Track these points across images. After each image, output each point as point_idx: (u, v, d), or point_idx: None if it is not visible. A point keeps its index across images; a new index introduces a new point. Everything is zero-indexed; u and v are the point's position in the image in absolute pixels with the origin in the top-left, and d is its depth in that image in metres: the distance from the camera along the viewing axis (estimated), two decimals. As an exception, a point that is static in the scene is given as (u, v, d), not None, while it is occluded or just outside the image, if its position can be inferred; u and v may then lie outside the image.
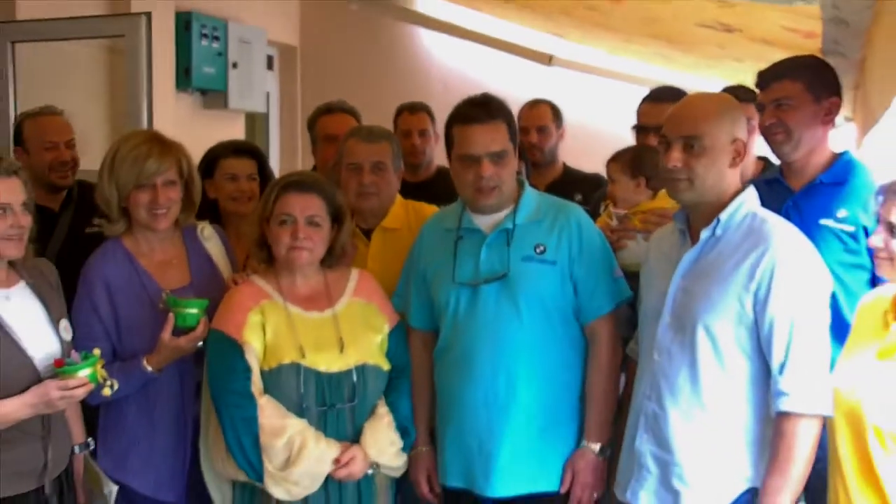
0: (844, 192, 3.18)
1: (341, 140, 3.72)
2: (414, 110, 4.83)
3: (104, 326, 3.11)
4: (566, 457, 3.11)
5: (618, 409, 3.13)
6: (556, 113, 4.81)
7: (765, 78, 3.31)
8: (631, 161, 3.49)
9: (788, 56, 3.44)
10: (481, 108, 3.11)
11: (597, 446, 3.10)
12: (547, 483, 3.10)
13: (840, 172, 3.24)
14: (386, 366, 3.14)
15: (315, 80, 7.47)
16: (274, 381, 3.00)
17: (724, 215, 2.75)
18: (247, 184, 3.79)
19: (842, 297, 3.04)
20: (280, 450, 2.93)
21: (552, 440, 3.10)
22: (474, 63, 7.69)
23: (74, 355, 2.81)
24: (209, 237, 3.38)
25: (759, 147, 3.55)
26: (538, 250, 3.10)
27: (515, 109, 3.63)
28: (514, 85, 6.25)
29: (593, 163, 4.53)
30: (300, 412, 2.98)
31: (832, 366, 2.68)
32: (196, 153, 3.78)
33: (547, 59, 7.86)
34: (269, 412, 2.96)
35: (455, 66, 7.70)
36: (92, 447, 3.14)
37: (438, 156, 4.46)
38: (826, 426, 2.62)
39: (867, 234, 3.05)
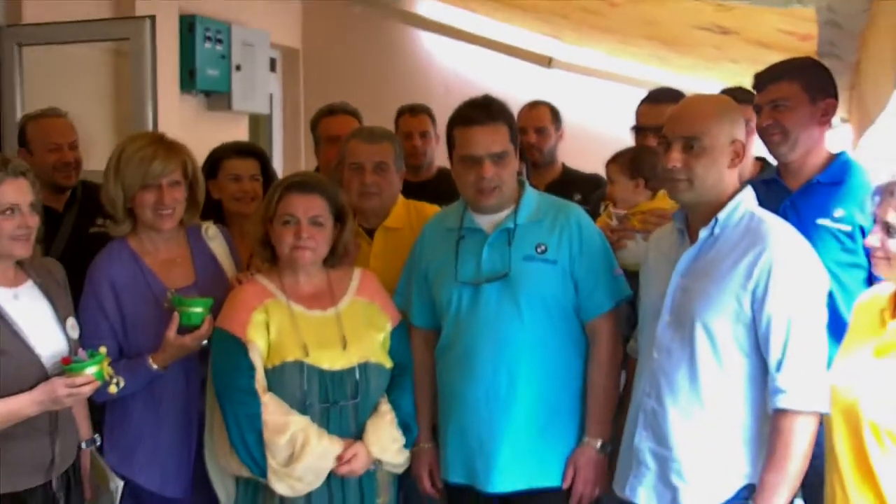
0: (841, 192, 3.18)
1: (343, 140, 3.73)
2: (415, 112, 4.84)
3: (110, 325, 3.11)
4: (567, 453, 3.12)
5: (619, 406, 3.13)
6: (554, 114, 4.81)
7: (762, 80, 3.31)
8: (630, 162, 3.50)
9: (785, 58, 3.44)
10: (482, 110, 3.11)
11: (598, 442, 3.10)
12: (548, 479, 3.10)
13: (836, 173, 3.24)
14: (388, 364, 3.14)
15: (317, 82, 7.47)
16: (277, 378, 3.00)
17: (722, 215, 2.75)
18: (250, 184, 3.79)
19: (839, 295, 3.04)
20: (283, 446, 2.94)
21: (553, 437, 3.11)
22: (475, 65, 7.69)
23: (81, 353, 2.81)
24: (213, 237, 3.39)
25: (757, 148, 3.55)
26: (539, 250, 3.10)
27: (516, 111, 3.63)
28: (515, 87, 6.24)
29: (593, 163, 4.53)
30: (303, 409, 2.99)
31: (829, 363, 2.69)
32: (200, 154, 3.79)
33: (546, 62, 7.86)
34: (273, 409, 2.97)
35: (456, 68, 7.69)
36: (99, 443, 3.15)
37: (439, 156, 4.46)
38: (823, 423, 2.62)
39: (863, 233, 3.06)
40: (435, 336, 3.28)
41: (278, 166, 7.26)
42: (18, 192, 2.80)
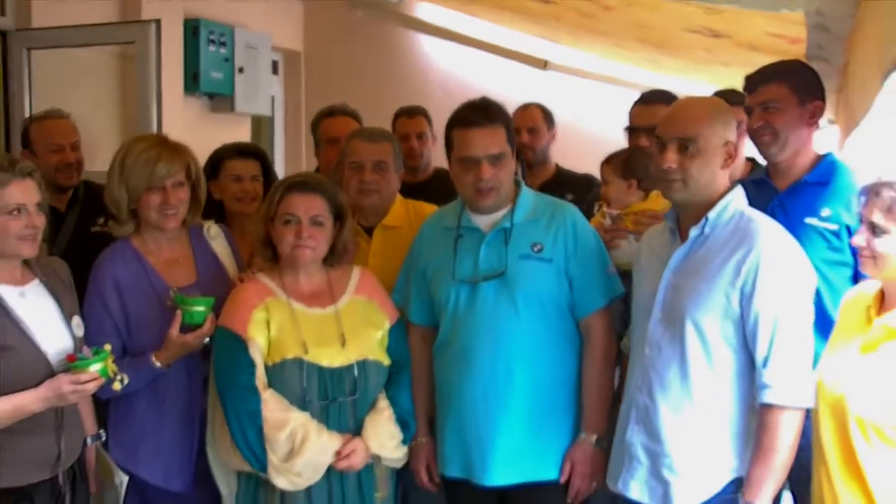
0: (828, 192, 3.18)
1: (344, 140, 3.73)
2: (411, 114, 4.83)
3: (114, 323, 3.11)
4: (562, 447, 3.11)
5: (613, 402, 3.13)
6: (546, 115, 4.82)
7: (752, 82, 3.31)
8: (623, 163, 3.50)
9: (774, 61, 3.44)
10: (480, 112, 3.11)
11: (593, 437, 3.10)
12: (543, 472, 3.09)
13: (824, 173, 3.24)
14: (386, 361, 3.14)
15: (318, 84, 7.46)
16: (278, 375, 2.99)
17: (712, 214, 2.75)
18: (251, 184, 3.78)
19: (825, 293, 3.03)
20: (283, 442, 2.93)
21: (548, 431, 3.10)
22: (472, 68, 7.69)
23: (86, 351, 2.80)
24: (215, 236, 3.38)
25: (747, 148, 3.55)
26: (535, 248, 3.10)
27: (512, 113, 3.63)
28: (511, 89, 6.24)
29: (587, 163, 4.53)
30: (303, 406, 2.98)
31: (816, 360, 2.68)
32: (204, 155, 3.80)
33: (542, 64, 7.87)
34: (273, 405, 2.96)
35: (454, 70, 7.69)
36: (104, 439, 3.14)
37: (437, 157, 4.45)
38: (811, 418, 2.62)
39: (850, 232, 3.06)
40: (432, 333, 3.27)
41: (280, 167, 7.26)
42: (25, 192, 2.79)
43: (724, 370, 2.71)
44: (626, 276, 3.15)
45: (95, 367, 2.75)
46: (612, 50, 7.18)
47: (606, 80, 8.21)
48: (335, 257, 3.18)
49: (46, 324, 2.84)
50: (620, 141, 3.98)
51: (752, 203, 2.85)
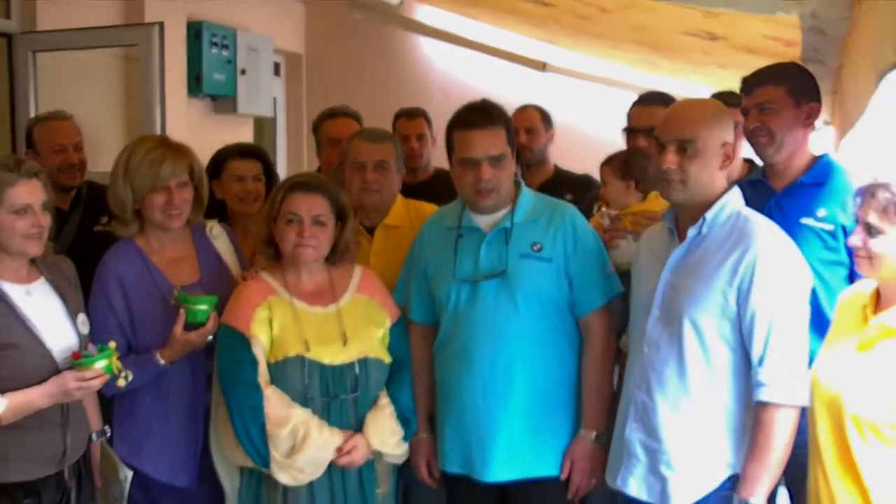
0: (824, 193, 3.19)
1: (346, 141, 3.73)
2: (411, 116, 4.83)
3: (118, 321, 3.11)
4: (562, 444, 3.11)
5: (612, 400, 3.13)
6: (544, 116, 4.83)
7: (749, 84, 3.31)
8: (622, 164, 3.50)
9: (770, 63, 3.44)
10: (481, 114, 3.11)
11: (592, 434, 3.10)
12: (543, 469, 3.10)
13: (819, 174, 3.24)
14: (387, 359, 3.14)
15: (320, 85, 7.45)
16: (280, 372, 2.99)
17: (709, 214, 2.75)
18: (253, 184, 3.78)
19: (821, 292, 3.04)
20: (285, 438, 2.93)
21: (548, 428, 3.10)
22: (472, 69, 7.69)
23: (91, 348, 2.81)
24: (218, 235, 3.38)
25: (744, 149, 3.55)
26: (535, 248, 3.10)
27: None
28: (510, 90, 6.24)
29: (586, 164, 4.54)
30: (305, 403, 2.98)
31: (812, 358, 2.69)
32: (207, 156, 3.80)
33: (541, 66, 7.87)
34: (275, 402, 2.96)
35: (453, 72, 7.69)
36: (108, 435, 3.14)
37: (437, 158, 4.46)
38: (807, 415, 2.62)
39: (845, 232, 3.06)
40: (433, 331, 3.27)
41: (282, 167, 7.26)
42: (31, 192, 2.79)
43: (721, 369, 2.71)
44: (625, 275, 3.15)
45: (100, 365, 2.75)
46: (610, 52, 7.18)
47: (604, 82, 8.21)
48: (337, 256, 3.18)
49: (52, 321, 2.84)
50: (619, 142, 3.99)
51: (749, 203, 2.85)
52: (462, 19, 7.39)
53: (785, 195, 3.24)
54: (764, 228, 2.74)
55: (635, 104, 4.01)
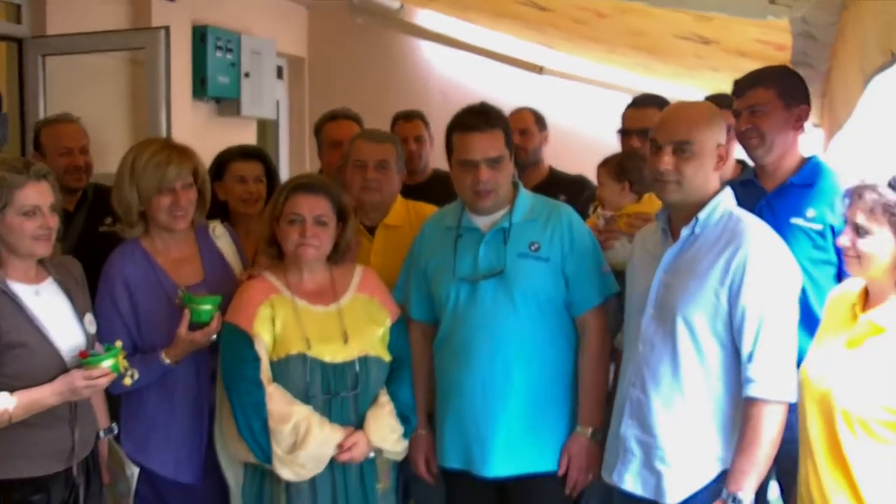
0: (813, 193, 3.18)
1: (348, 141, 3.74)
2: (409, 118, 4.82)
3: (124, 321, 3.10)
4: (559, 440, 3.11)
5: (608, 397, 3.12)
6: (537, 118, 4.83)
7: (740, 86, 3.31)
8: (617, 166, 3.51)
9: (761, 66, 3.44)
10: (480, 117, 3.11)
11: (589, 430, 3.09)
12: (541, 464, 3.09)
13: (809, 175, 3.24)
14: (387, 357, 3.13)
15: (321, 88, 7.45)
16: (282, 370, 2.99)
17: (702, 214, 2.76)
18: (255, 186, 3.77)
19: (811, 291, 3.03)
20: (287, 434, 2.93)
21: (546, 424, 3.10)
22: (471, 72, 7.68)
23: (98, 347, 2.80)
24: (220, 235, 3.38)
25: (736, 150, 3.55)
26: (533, 248, 3.10)
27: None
28: (508, 93, 6.24)
29: (581, 165, 4.54)
30: (306, 400, 2.98)
31: (802, 355, 2.68)
32: (212, 158, 3.79)
33: (538, 69, 7.86)
34: (277, 399, 2.96)
35: (453, 75, 7.68)
36: (116, 432, 3.14)
37: (436, 159, 4.45)
38: (798, 411, 2.62)
39: (834, 232, 3.06)
40: (433, 329, 3.27)
41: (284, 169, 7.26)
42: (40, 194, 2.79)
43: (713, 366, 2.71)
44: (620, 275, 3.14)
45: (107, 363, 2.74)
46: (606, 56, 7.17)
47: (600, 85, 8.20)
48: (338, 256, 3.17)
49: (60, 321, 2.84)
50: (614, 143, 3.98)
51: (740, 203, 2.85)
52: (461, 23, 7.38)
53: (775, 196, 3.24)
54: (755, 228, 2.74)
55: (629, 106, 4.02)
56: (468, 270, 3.13)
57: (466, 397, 3.10)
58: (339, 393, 3.01)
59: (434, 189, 4.05)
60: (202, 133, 5.84)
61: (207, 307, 3.03)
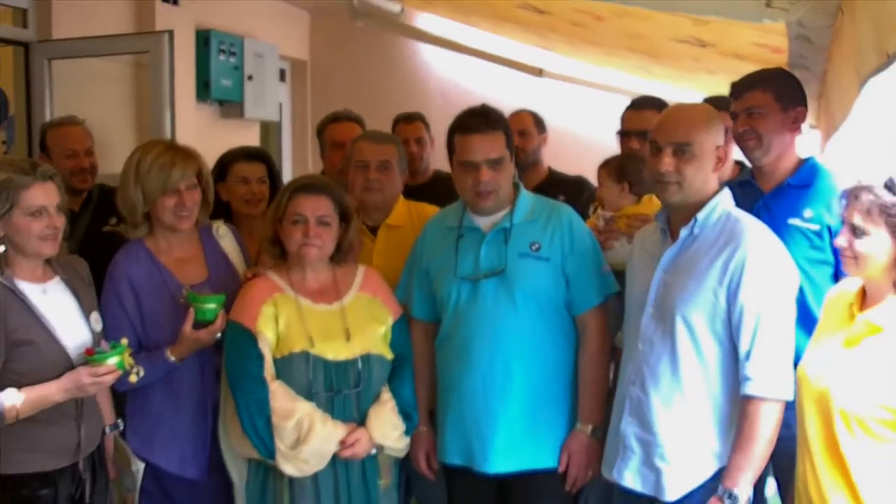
0: (810, 194, 3.18)
1: (351, 142, 3.74)
2: (409, 120, 4.82)
3: (130, 320, 3.10)
4: (559, 437, 3.11)
5: (608, 395, 3.12)
6: (536, 119, 4.83)
7: (737, 88, 3.31)
8: (617, 168, 3.51)
9: (758, 69, 3.44)
10: (481, 119, 3.11)
11: (589, 428, 3.09)
12: (541, 461, 3.09)
13: (806, 176, 3.24)
14: (389, 355, 3.13)
15: (324, 91, 7.46)
16: (285, 367, 2.99)
17: (701, 215, 2.76)
18: (257, 186, 3.77)
19: (808, 290, 3.03)
20: (290, 430, 2.93)
21: (545, 422, 3.10)
22: (471, 75, 7.68)
23: (104, 345, 2.81)
24: (224, 235, 3.38)
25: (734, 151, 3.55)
26: (533, 248, 3.10)
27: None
28: (508, 95, 6.24)
29: (580, 166, 4.54)
30: (309, 397, 2.98)
31: (799, 354, 2.68)
32: (216, 159, 3.79)
33: (538, 72, 7.85)
34: (281, 396, 2.96)
35: (453, 78, 7.68)
36: (121, 428, 3.14)
37: (437, 160, 4.45)
38: (796, 409, 2.62)
39: (831, 232, 3.06)
40: (434, 327, 3.27)
41: (287, 170, 7.27)
42: (47, 195, 2.79)
43: (712, 364, 2.71)
44: (620, 274, 3.14)
45: (113, 361, 2.75)
46: (605, 58, 7.16)
47: (599, 87, 8.19)
48: (341, 255, 3.17)
49: (67, 319, 2.84)
50: (613, 144, 3.99)
51: (738, 204, 2.85)
52: (461, 27, 7.38)
53: (773, 196, 3.24)
54: (753, 228, 2.74)
55: (628, 108, 4.02)
56: (469, 270, 3.13)
57: (467, 395, 3.10)
58: (341, 390, 3.01)
59: (435, 190, 4.06)
60: (206, 135, 5.84)
61: (212, 306, 3.03)
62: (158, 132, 4.81)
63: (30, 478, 2.75)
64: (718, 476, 2.69)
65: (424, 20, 7.30)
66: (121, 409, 3.18)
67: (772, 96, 3.21)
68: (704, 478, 2.71)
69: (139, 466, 3.07)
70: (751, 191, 3.27)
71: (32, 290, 2.80)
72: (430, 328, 3.29)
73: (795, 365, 2.65)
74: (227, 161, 3.83)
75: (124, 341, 2.81)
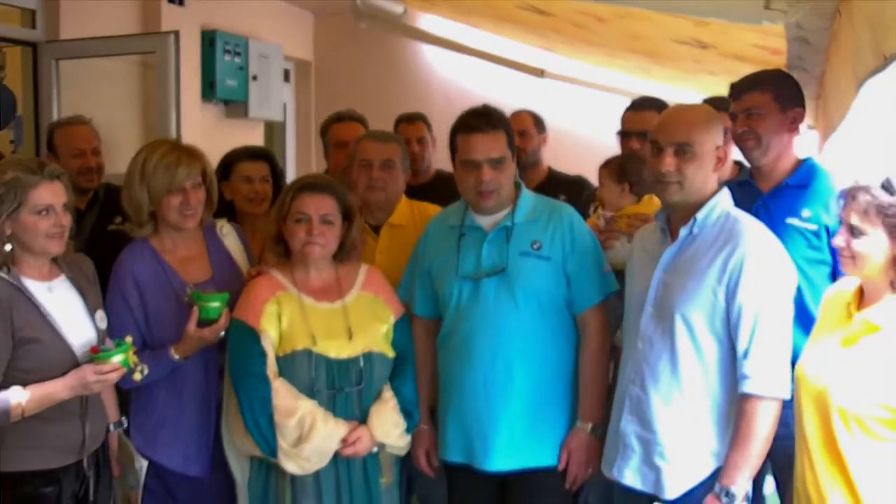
0: (808, 194, 3.18)
1: (354, 141, 3.74)
2: (411, 120, 4.81)
3: (134, 318, 3.09)
4: (559, 435, 3.10)
5: (608, 393, 3.11)
6: (536, 120, 4.84)
7: (737, 89, 3.31)
8: (618, 168, 3.51)
9: (757, 70, 3.43)
10: (482, 119, 3.10)
11: (589, 426, 3.08)
12: (541, 459, 3.08)
13: (804, 176, 3.23)
14: (391, 353, 3.13)
15: (327, 91, 7.46)
16: (288, 365, 2.98)
17: (700, 215, 2.75)
18: (261, 185, 3.76)
19: (806, 289, 3.03)
20: (292, 428, 2.93)
21: (546, 419, 3.09)
22: (473, 76, 7.67)
23: (108, 343, 2.81)
24: (227, 234, 3.37)
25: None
26: (534, 247, 3.09)
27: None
28: (509, 96, 6.22)
29: (581, 166, 4.53)
30: (311, 395, 2.97)
31: (797, 353, 2.68)
32: (220, 158, 3.78)
33: (539, 73, 7.83)
34: (283, 394, 2.95)
35: (455, 78, 7.67)
36: (125, 426, 3.13)
37: (438, 160, 4.45)
38: (794, 408, 2.61)
39: (828, 232, 3.06)
40: (436, 325, 3.26)
41: (291, 170, 7.27)
42: (54, 194, 2.79)
43: (711, 363, 2.70)
44: (620, 274, 3.14)
45: (117, 359, 2.74)
46: (606, 59, 7.15)
47: (600, 88, 8.16)
48: (344, 254, 3.17)
49: (72, 317, 2.84)
50: (613, 145, 3.98)
51: (737, 204, 2.84)
52: (463, 28, 7.37)
53: (771, 196, 3.24)
54: (752, 228, 2.73)
55: (629, 109, 4.01)
56: (471, 268, 3.12)
57: (468, 393, 3.09)
58: (343, 388, 3.00)
59: (437, 189, 4.05)
60: (211, 134, 5.84)
61: (216, 304, 3.03)
62: (164, 132, 4.81)
63: (33, 475, 2.74)
64: (717, 474, 2.68)
65: (427, 21, 7.28)
66: (125, 407, 3.18)
67: (770, 97, 3.21)
68: (703, 476, 2.70)
69: (143, 464, 3.06)
70: (749, 191, 3.26)
71: (38, 289, 2.79)
72: (431, 325, 3.28)
73: (793, 364, 2.65)
74: (231, 160, 3.83)
75: (129, 339, 2.81)
